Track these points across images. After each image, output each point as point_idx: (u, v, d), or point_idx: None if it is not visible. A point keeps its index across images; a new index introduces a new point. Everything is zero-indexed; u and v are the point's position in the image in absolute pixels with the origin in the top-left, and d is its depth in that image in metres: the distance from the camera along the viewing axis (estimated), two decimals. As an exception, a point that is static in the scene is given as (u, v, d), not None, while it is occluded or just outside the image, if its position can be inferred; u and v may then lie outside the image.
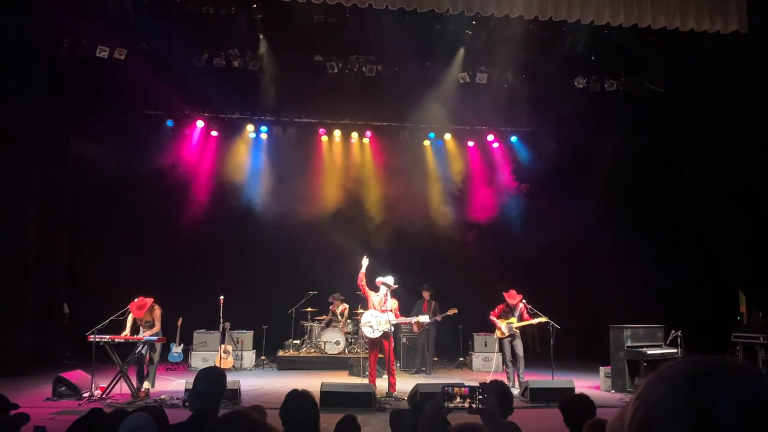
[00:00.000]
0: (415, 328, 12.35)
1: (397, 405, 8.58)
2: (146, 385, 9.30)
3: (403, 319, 10.32)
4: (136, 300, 9.40)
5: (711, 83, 11.33)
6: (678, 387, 0.83)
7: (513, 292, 10.45)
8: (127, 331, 9.32)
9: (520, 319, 10.35)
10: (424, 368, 12.42)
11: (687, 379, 0.83)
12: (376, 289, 9.86)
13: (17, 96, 11.09)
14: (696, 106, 11.82)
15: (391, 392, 9.38)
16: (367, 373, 11.12)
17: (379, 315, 9.59)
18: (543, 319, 10.17)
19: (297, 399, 3.34)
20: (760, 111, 10.64)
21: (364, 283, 9.73)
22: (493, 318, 10.49)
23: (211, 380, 3.37)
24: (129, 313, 9.36)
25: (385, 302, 9.67)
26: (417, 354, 12.56)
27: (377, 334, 9.51)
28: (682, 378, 0.84)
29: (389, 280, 9.83)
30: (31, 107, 11.49)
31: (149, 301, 9.44)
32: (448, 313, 11.88)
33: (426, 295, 12.32)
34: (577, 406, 3.80)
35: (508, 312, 10.44)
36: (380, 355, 10.00)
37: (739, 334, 11.35)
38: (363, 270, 9.71)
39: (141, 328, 9.51)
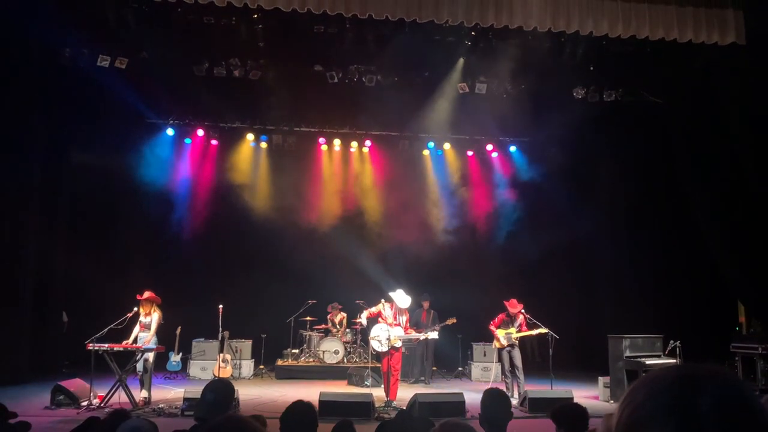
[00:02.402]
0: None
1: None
2: (143, 393, 9.30)
3: (413, 335, 10.21)
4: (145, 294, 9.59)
5: (709, 94, 11.39)
6: (662, 388, 0.89)
7: (514, 301, 10.39)
8: (132, 338, 9.35)
9: (519, 329, 10.33)
10: (423, 378, 12.40)
11: (670, 381, 0.90)
12: (388, 299, 9.86)
13: (18, 104, 11.14)
14: (694, 117, 11.88)
15: (390, 400, 9.36)
16: (367, 383, 11.14)
17: (389, 329, 9.54)
18: (543, 330, 10.13)
19: (301, 408, 3.38)
20: (758, 121, 10.69)
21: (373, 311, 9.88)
22: (492, 328, 10.47)
23: (219, 391, 3.41)
24: (136, 318, 9.43)
25: (395, 316, 9.68)
26: (416, 363, 12.54)
27: (385, 348, 9.50)
28: (665, 380, 0.90)
29: (398, 296, 9.76)
30: (33, 115, 11.54)
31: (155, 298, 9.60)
32: (447, 322, 11.86)
33: (426, 304, 12.32)
34: (569, 413, 3.82)
35: (508, 322, 10.40)
36: (378, 365, 9.98)
37: (737, 345, 11.35)
38: (371, 311, 9.85)
39: (140, 330, 9.52)
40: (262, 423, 3.52)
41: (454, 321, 11.43)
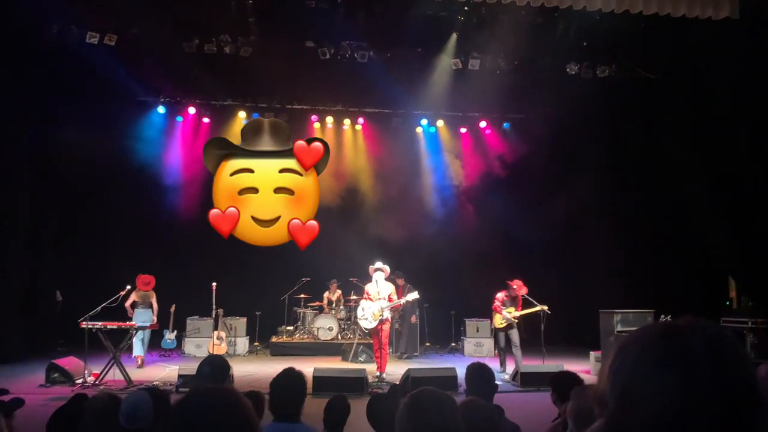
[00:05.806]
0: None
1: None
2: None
3: (395, 302, 10.27)
4: (141, 276, 9.64)
5: (702, 69, 11.36)
6: (652, 343, 0.95)
7: (520, 282, 10.25)
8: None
9: (517, 309, 10.31)
10: (413, 353, 12.43)
11: (657, 334, 0.96)
12: (370, 279, 9.95)
13: (6, 83, 11.00)
14: (687, 92, 11.86)
15: (381, 373, 9.46)
16: (360, 359, 11.23)
17: (371, 305, 9.66)
18: (539, 308, 10.13)
19: (291, 373, 3.42)
20: (750, 97, 10.68)
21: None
22: (497, 305, 10.35)
23: (215, 365, 3.47)
24: (131, 292, 9.58)
25: (377, 289, 9.78)
26: (401, 337, 12.54)
27: (375, 323, 9.61)
28: (652, 335, 0.96)
29: (378, 272, 9.87)
30: (22, 94, 11.40)
31: (152, 278, 9.67)
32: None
33: (400, 282, 12.24)
34: (566, 381, 3.89)
35: (508, 302, 10.36)
36: (371, 341, 10.06)
37: (728, 319, 11.47)
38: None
39: (137, 307, 9.66)
40: (261, 399, 3.54)
41: (417, 297, 11.59)
